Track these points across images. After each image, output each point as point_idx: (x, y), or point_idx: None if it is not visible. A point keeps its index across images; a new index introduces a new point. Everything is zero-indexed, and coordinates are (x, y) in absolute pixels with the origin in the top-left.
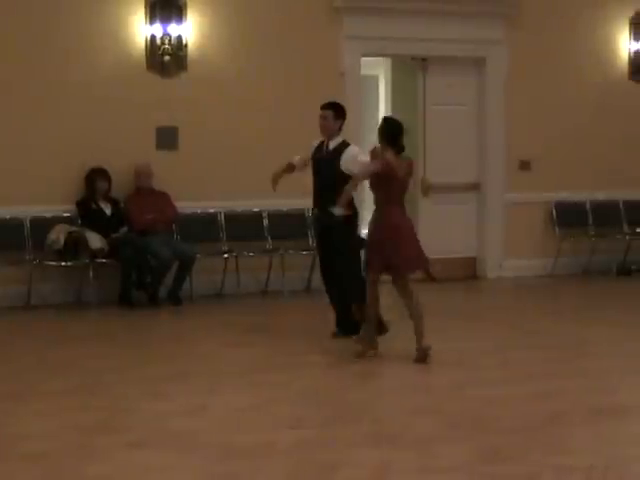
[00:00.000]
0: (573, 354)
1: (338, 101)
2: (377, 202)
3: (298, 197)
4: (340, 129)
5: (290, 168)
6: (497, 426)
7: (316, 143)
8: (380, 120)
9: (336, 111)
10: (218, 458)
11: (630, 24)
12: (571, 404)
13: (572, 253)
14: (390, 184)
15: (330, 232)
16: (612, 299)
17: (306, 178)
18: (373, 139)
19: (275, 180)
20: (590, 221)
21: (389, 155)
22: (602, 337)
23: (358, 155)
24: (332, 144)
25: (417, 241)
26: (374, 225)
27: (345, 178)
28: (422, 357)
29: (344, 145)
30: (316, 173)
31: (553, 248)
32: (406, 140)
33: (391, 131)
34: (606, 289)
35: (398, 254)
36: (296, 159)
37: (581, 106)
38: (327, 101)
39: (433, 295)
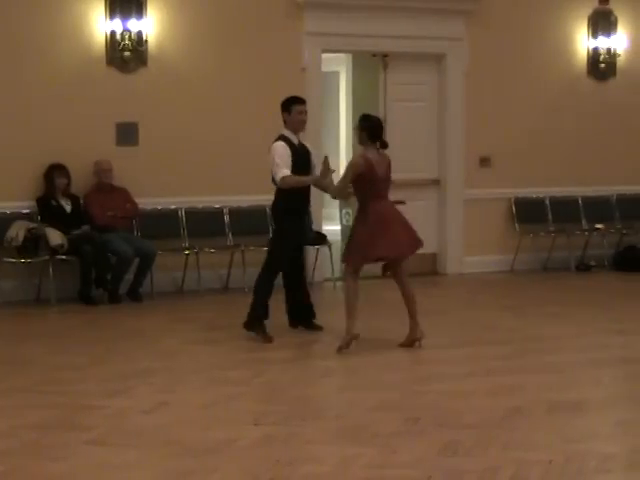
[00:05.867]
0: (532, 350)
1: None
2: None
3: (258, 193)
4: None
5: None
6: (457, 421)
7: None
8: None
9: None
10: (179, 455)
11: (588, 22)
12: (530, 399)
13: (532, 249)
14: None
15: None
16: (571, 295)
17: None
18: (333, 134)
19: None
20: (549, 217)
21: (370, 153)
22: (561, 333)
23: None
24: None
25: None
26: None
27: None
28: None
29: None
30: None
31: (513, 244)
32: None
33: (372, 127)
34: (565, 285)
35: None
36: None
37: (541, 103)
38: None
39: (393, 291)
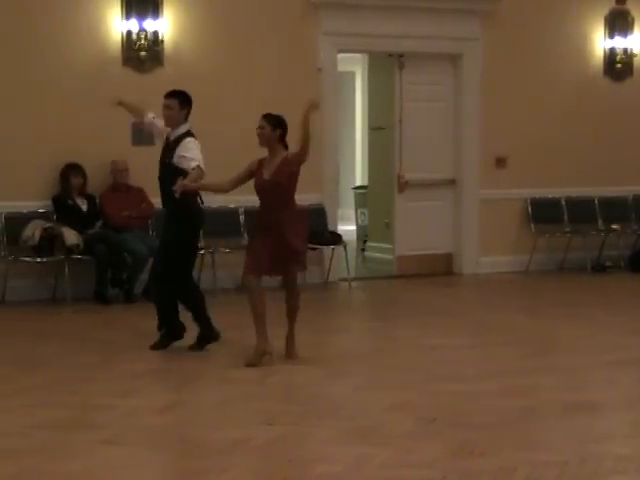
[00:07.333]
0: (547, 350)
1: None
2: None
3: None
4: (186, 119)
5: (139, 112)
6: (472, 422)
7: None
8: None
9: (181, 100)
10: (191, 455)
11: (605, 22)
12: (545, 400)
13: (547, 249)
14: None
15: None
16: (587, 295)
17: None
18: (349, 134)
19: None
20: (565, 218)
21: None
22: (576, 333)
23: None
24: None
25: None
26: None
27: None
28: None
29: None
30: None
31: (529, 244)
32: (383, 136)
33: (284, 127)
34: (581, 285)
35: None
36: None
37: (557, 103)
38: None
39: (409, 291)
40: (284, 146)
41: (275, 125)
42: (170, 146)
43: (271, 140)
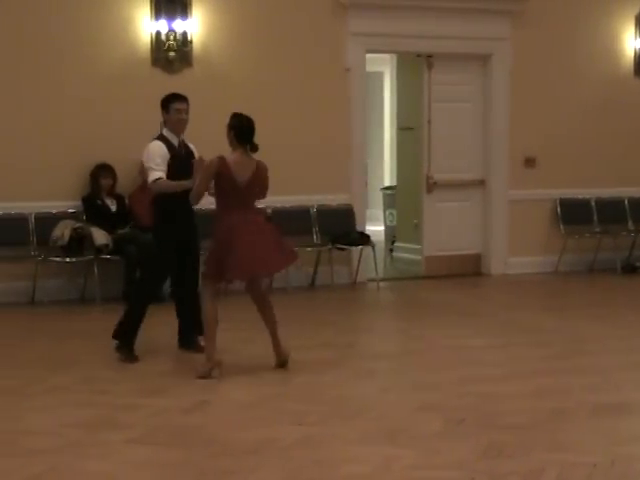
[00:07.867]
0: (577, 351)
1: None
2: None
3: (301, 194)
4: None
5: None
6: (500, 422)
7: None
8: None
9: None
10: (219, 455)
11: (635, 21)
12: (574, 401)
13: (577, 250)
14: (231, 189)
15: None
16: (617, 296)
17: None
18: (377, 135)
19: None
20: (595, 218)
21: (233, 156)
22: (605, 334)
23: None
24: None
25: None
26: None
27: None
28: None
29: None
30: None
31: (558, 245)
32: (411, 136)
33: (241, 127)
34: (611, 286)
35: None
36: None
37: (586, 103)
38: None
39: (437, 292)
40: (243, 147)
41: (228, 126)
42: (185, 150)
43: (230, 141)
